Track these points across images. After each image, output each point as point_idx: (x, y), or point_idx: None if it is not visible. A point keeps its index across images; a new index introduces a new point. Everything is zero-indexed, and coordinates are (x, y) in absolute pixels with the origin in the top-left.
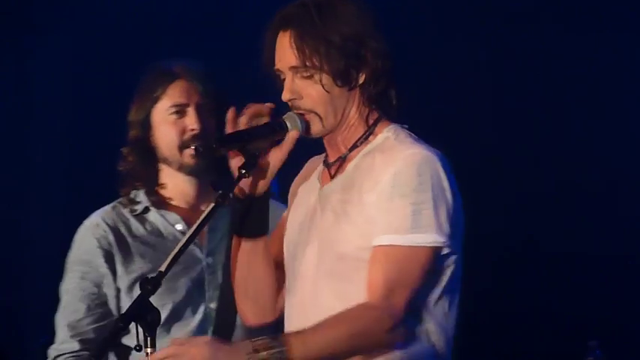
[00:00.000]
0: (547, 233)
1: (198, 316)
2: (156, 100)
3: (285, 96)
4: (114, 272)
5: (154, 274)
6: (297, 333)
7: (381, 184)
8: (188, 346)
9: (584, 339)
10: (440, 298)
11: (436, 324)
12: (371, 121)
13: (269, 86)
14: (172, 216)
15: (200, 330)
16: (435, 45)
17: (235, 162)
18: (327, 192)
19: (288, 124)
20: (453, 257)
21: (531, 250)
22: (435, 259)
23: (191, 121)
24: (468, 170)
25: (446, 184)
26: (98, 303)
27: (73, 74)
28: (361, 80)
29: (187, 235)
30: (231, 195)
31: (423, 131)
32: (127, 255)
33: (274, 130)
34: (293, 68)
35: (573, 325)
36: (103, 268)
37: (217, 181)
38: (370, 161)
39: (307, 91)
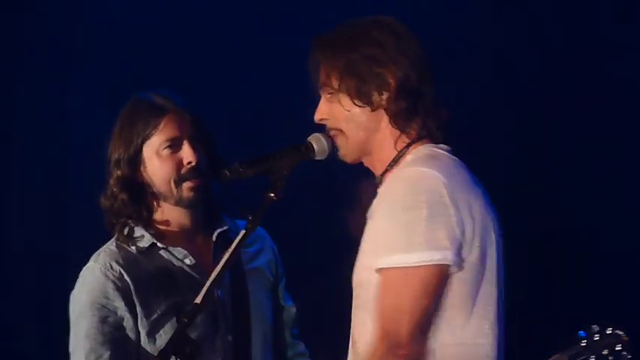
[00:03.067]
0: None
1: (219, 351)
2: (147, 136)
3: (315, 116)
4: (134, 315)
5: (189, 307)
6: None
7: (380, 206)
8: None
9: None
10: (455, 312)
11: (452, 341)
12: (403, 143)
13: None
14: (179, 251)
15: None
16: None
17: None
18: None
19: (314, 145)
20: (467, 270)
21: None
22: (438, 276)
23: (187, 154)
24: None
25: (447, 199)
26: (122, 347)
27: (109, 102)
28: (383, 102)
29: (220, 266)
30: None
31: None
32: (144, 295)
33: (300, 151)
34: (320, 89)
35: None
36: (123, 310)
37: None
38: (387, 183)
39: (332, 111)
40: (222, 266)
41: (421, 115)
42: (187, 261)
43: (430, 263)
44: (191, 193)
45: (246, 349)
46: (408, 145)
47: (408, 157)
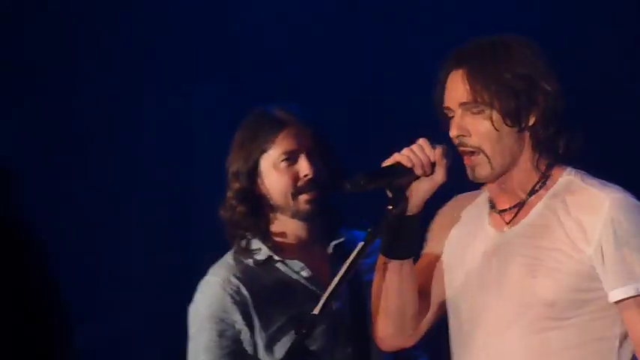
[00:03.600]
0: None
1: None
2: (265, 149)
3: (453, 132)
4: (252, 328)
5: (307, 319)
6: None
7: (596, 234)
8: None
9: None
10: None
11: None
12: (543, 166)
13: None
14: (296, 263)
15: None
16: None
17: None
18: (510, 238)
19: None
20: None
21: None
22: None
23: (304, 167)
24: None
25: None
26: None
27: (229, 120)
28: (531, 122)
29: (338, 277)
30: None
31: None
32: (262, 309)
33: None
34: (463, 104)
35: None
36: (241, 324)
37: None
38: (561, 205)
39: (476, 127)
40: (340, 278)
41: (565, 138)
42: (304, 273)
43: None
44: (307, 206)
45: None
46: (549, 168)
47: (563, 178)
